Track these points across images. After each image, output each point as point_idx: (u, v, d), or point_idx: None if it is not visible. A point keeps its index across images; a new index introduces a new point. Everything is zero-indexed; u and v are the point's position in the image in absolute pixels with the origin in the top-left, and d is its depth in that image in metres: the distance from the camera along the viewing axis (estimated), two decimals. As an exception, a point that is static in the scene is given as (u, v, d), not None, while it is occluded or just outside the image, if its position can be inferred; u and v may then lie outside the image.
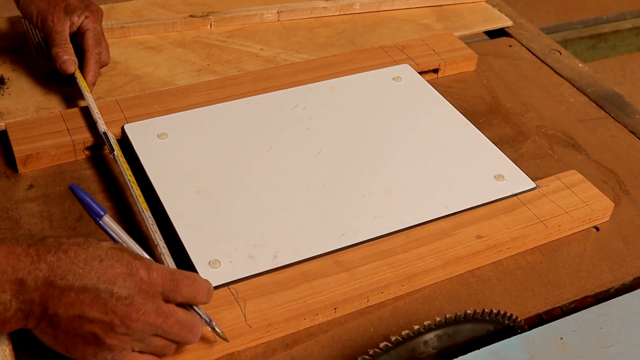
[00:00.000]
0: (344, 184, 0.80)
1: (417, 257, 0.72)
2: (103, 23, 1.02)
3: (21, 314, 0.55)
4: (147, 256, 0.61)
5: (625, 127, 0.95)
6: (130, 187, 0.74)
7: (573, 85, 1.02)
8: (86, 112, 0.87)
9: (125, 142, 0.84)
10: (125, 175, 0.76)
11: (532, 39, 1.11)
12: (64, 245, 0.56)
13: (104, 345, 0.57)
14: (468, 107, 0.95)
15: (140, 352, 0.59)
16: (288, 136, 0.85)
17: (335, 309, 0.69)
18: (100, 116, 0.84)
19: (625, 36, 1.49)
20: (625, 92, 1.03)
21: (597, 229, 0.80)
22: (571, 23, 1.46)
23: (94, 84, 0.91)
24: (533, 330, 0.70)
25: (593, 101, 0.99)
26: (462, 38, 1.07)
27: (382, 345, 0.63)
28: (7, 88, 0.93)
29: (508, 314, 0.68)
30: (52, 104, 0.91)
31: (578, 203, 0.80)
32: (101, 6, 1.07)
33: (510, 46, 1.09)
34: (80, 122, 0.85)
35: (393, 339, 0.63)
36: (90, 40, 0.90)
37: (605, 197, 0.81)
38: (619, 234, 0.80)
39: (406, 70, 0.97)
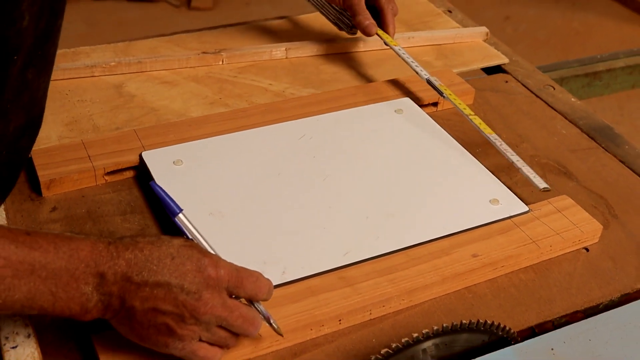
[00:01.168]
0: (348, 207, 0.85)
1: (417, 273, 0.77)
2: (121, 58, 1.09)
3: (101, 305, 0.61)
4: (210, 248, 0.66)
5: (615, 156, 1.00)
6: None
7: (566, 118, 1.07)
8: (107, 141, 0.92)
9: (143, 169, 0.90)
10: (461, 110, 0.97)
11: (527, 75, 1.17)
12: (140, 244, 0.61)
13: (175, 335, 0.62)
14: (465, 138, 1.00)
15: (206, 342, 0.64)
16: (295, 163, 0.91)
17: (339, 320, 0.73)
18: (417, 63, 1.05)
19: (619, 74, 1.56)
20: (623, 131, 1.08)
21: (587, 249, 0.85)
22: (567, 62, 1.52)
23: (394, 34, 1.10)
24: (525, 341, 0.74)
25: (584, 133, 1.04)
26: (460, 74, 1.13)
27: (383, 351, 0.67)
28: (32, 119, 0.99)
29: (502, 326, 0.72)
30: (73, 134, 0.97)
31: (568, 225, 0.84)
32: (119, 44, 1.14)
33: (506, 82, 1.15)
34: (100, 150, 0.91)
35: (394, 345, 0.67)
36: (384, 5, 1.10)
37: (594, 220, 0.86)
38: (607, 255, 0.85)
39: (407, 103, 1.03)
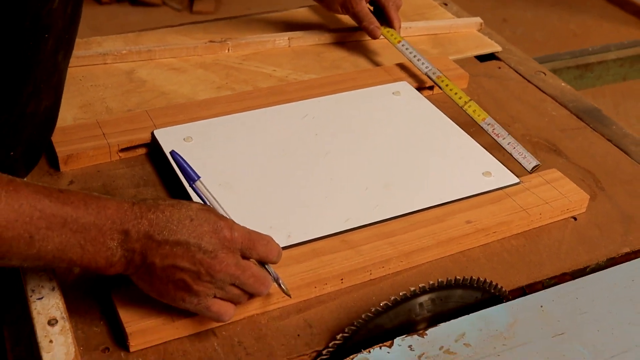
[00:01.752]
0: (348, 179, 0.90)
1: (415, 237, 0.82)
2: (133, 47, 1.14)
3: (124, 260, 0.65)
4: (225, 213, 0.71)
5: (603, 135, 1.05)
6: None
7: (556, 100, 1.13)
8: (120, 121, 0.98)
9: (155, 146, 0.95)
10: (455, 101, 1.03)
11: (520, 63, 1.22)
12: (161, 206, 0.66)
13: (192, 291, 0.67)
14: (460, 118, 1.05)
15: (220, 298, 0.69)
16: (299, 140, 0.96)
17: (342, 279, 0.78)
18: (420, 57, 1.11)
19: (610, 66, 1.61)
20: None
21: (575, 218, 0.90)
22: (559, 54, 1.58)
23: (400, 27, 1.17)
24: (516, 299, 0.79)
25: (574, 114, 1.10)
26: (455, 61, 1.18)
27: (382, 304, 0.72)
28: (48, 102, 1.04)
29: (494, 284, 0.77)
30: (87, 116, 1.02)
31: (557, 195, 0.89)
32: (130, 34, 1.19)
33: (500, 68, 1.20)
34: (114, 129, 0.96)
35: (392, 299, 0.72)
36: (390, 4, 1.16)
37: (582, 190, 0.91)
38: (594, 223, 0.89)
39: (404, 87, 1.08)
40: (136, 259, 0.66)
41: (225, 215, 0.71)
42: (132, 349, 0.70)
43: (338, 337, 0.72)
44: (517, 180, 0.91)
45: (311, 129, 0.98)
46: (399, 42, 1.14)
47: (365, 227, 0.83)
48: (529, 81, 1.17)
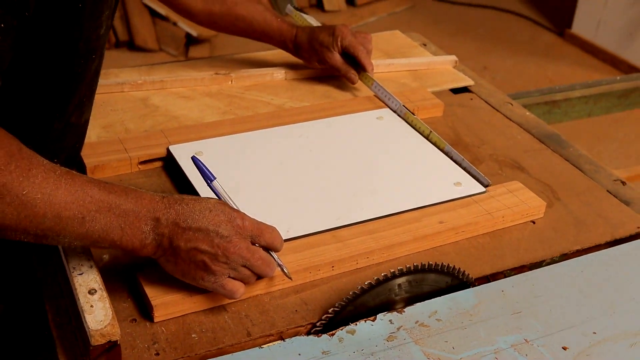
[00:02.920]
0: (338, 186, 1.04)
1: (394, 233, 0.96)
2: (147, 77, 1.29)
3: (155, 243, 0.78)
4: (241, 211, 0.84)
5: (561, 155, 1.20)
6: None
7: (521, 127, 1.28)
8: (139, 138, 1.12)
9: (170, 159, 1.09)
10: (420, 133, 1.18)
11: (490, 94, 1.38)
12: (186, 200, 0.80)
13: (210, 270, 0.80)
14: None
15: (233, 278, 0.82)
16: (295, 155, 1.11)
17: (332, 267, 0.92)
18: (390, 96, 1.26)
19: (575, 103, 1.77)
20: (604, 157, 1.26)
21: (534, 222, 1.04)
22: (529, 92, 1.74)
23: (372, 70, 1.30)
24: (481, 285, 0.93)
25: (536, 138, 1.25)
26: (432, 93, 1.34)
27: (366, 283, 0.86)
28: (74, 123, 1.18)
29: (462, 270, 0.91)
30: (109, 135, 1.16)
31: (518, 202, 1.04)
32: (143, 67, 1.34)
33: (471, 99, 1.36)
34: (134, 145, 1.10)
35: (374, 279, 0.86)
36: (351, 46, 1.27)
37: (539, 198, 1.05)
38: (550, 226, 1.04)
39: (387, 113, 1.23)
40: (164, 242, 0.79)
41: (236, 206, 0.85)
42: (156, 320, 0.83)
43: (329, 311, 0.85)
44: (483, 189, 1.06)
45: (306, 146, 1.13)
46: (372, 84, 1.29)
47: (353, 225, 0.97)
48: (497, 110, 1.33)
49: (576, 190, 1.12)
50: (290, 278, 0.87)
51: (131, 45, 3.74)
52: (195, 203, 0.80)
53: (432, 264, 0.89)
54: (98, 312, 0.77)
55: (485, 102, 1.36)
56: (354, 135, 1.17)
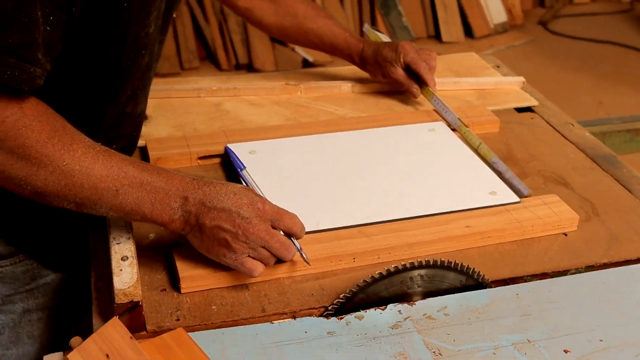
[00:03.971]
0: (374, 188, 1.10)
1: (419, 233, 1.01)
2: (223, 84, 1.40)
3: (182, 219, 0.87)
4: (264, 196, 0.92)
5: (612, 175, 1.20)
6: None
7: (577, 147, 1.29)
8: (202, 136, 1.22)
9: (227, 157, 1.18)
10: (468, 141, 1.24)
11: (553, 115, 1.39)
12: (214, 183, 0.88)
13: (231, 248, 0.87)
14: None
15: (252, 258, 0.89)
16: (340, 157, 1.17)
17: (354, 258, 0.97)
18: (449, 111, 1.31)
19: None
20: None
21: (566, 234, 1.06)
22: (609, 119, 1.72)
23: (434, 86, 1.34)
24: (498, 287, 0.96)
25: (590, 158, 1.25)
26: (494, 111, 1.37)
27: (377, 273, 0.91)
28: (149, 122, 1.31)
29: (477, 270, 0.95)
30: (179, 133, 1.27)
31: (550, 214, 1.06)
32: (222, 76, 1.46)
33: (532, 118, 1.38)
34: (196, 142, 1.20)
35: (386, 269, 0.91)
36: (414, 62, 1.33)
37: (573, 210, 1.06)
38: (582, 239, 1.05)
39: (440, 126, 1.28)
40: (191, 219, 0.88)
41: (261, 195, 0.92)
42: (182, 291, 0.92)
43: (341, 296, 0.91)
44: (517, 199, 1.08)
45: (354, 151, 1.19)
46: (432, 98, 1.34)
47: (381, 223, 1.03)
48: (556, 130, 1.34)
49: (618, 208, 1.12)
50: (308, 263, 0.93)
51: (250, 68, 3.92)
52: (222, 186, 0.89)
53: (444, 261, 0.93)
54: (125, 275, 0.86)
55: (547, 122, 1.37)
56: (402, 144, 1.22)
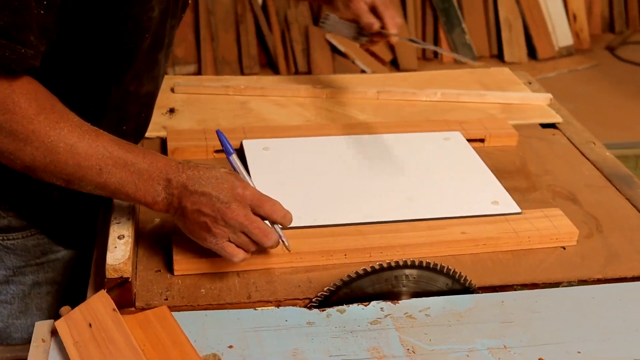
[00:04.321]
0: (378, 189, 1.12)
1: (413, 235, 1.02)
2: (251, 84, 1.44)
3: (165, 201, 0.90)
4: (250, 182, 0.94)
5: (624, 195, 1.19)
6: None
7: (594, 165, 1.28)
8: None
9: (241, 151, 1.22)
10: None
11: (576, 133, 1.38)
12: (199, 167, 0.90)
13: (211, 232, 0.89)
14: (499, 165, 1.24)
15: (234, 243, 0.90)
16: (350, 159, 1.20)
17: (345, 255, 1.00)
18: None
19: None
20: None
21: (564, 248, 1.06)
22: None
23: (394, 27, 1.22)
24: (484, 294, 0.97)
25: (605, 176, 1.24)
26: (517, 125, 1.37)
27: (362, 269, 0.93)
28: (175, 115, 1.36)
29: (463, 275, 0.96)
30: (201, 127, 1.32)
31: (549, 226, 1.06)
32: (254, 77, 1.50)
33: (553, 134, 1.38)
34: (214, 136, 1.24)
35: (371, 266, 0.93)
36: (381, 4, 1.21)
37: (573, 225, 1.06)
38: (580, 254, 1.05)
39: (456, 135, 1.29)
40: (174, 201, 0.90)
41: (248, 179, 0.94)
42: (175, 273, 0.96)
43: (325, 289, 0.93)
44: (518, 210, 1.09)
45: (364, 153, 1.22)
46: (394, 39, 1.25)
47: (379, 224, 1.05)
48: (576, 147, 1.33)
49: (623, 226, 1.11)
50: (288, 250, 0.95)
51: (308, 77, 3.97)
52: (206, 170, 0.90)
53: (430, 263, 0.94)
54: (118, 252, 0.91)
55: (568, 139, 1.37)
56: (413, 150, 1.24)
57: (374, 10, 1.23)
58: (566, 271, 1.01)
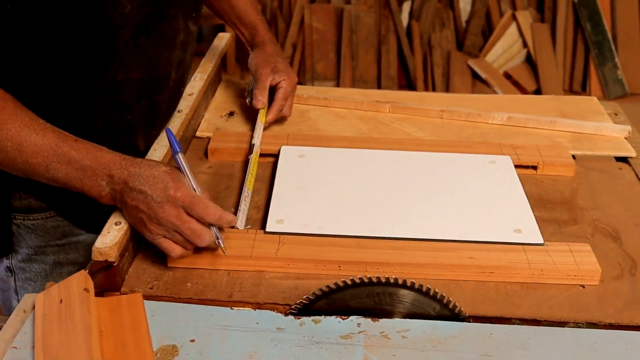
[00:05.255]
0: (400, 205, 1.09)
1: (417, 255, 0.98)
2: (314, 93, 1.45)
3: (110, 195, 0.95)
4: (191, 183, 0.95)
5: (678, 239, 1.08)
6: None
7: (653, 203, 1.17)
8: (266, 136, 1.28)
9: (278, 157, 1.23)
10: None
11: (646, 169, 1.27)
12: (142, 164, 0.94)
13: (147, 228, 0.94)
14: (545, 194, 1.17)
15: (170, 240, 0.93)
16: (382, 175, 1.17)
17: (339, 266, 0.98)
18: (258, 135, 1.26)
19: None
20: None
21: (583, 287, 0.97)
22: None
23: (269, 123, 1.32)
24: (473, 323, 0.91)
25: (662, 217, 1.13)
26: (583, 156, 1.28)
27: (342, 280, 0.90)
28: (232, 118, 1.39)
29: (452, 301, 0.91)
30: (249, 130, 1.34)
31: (569, 262, 0.98)
32: (321, 87, 1.51)
33: (620, 169, 1.27)
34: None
35: (350, 278, 0.90)
36: (280, 94, 1.32)
37: (597, 262, 0.98)
38: (597, 295, 0.96)
39: (504, 160, 1.22)
40: (117, 196, 0.95)
41: (192, 181, 0.95)
42: (168, 264, 0.98)
43: (304, 297, 0.92)
44: (541, 241, 1.02)
45: (398, 169, 1.18)
46: (262, 122, 1.30)
47: (386, 239, 1.01)
48: (641, 183, 1.22)
49: (662, 273, 1.01)
50: (224, 252, 0.96)
51: (444, 101, 3.92)
52: (147, 168, 0.93)
53: (414, 283, 0.90)
54: (109, 237, 0.94)
55: (637, 174, 1.26)
56: (453, 170, 1.19)
57: (274, 89, 1.33)
58: (576, 311, 0.93)
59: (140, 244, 1.02)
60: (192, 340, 0.87)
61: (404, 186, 1.14)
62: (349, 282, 0.90)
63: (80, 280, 0.89)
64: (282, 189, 1.13)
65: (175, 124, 1.23)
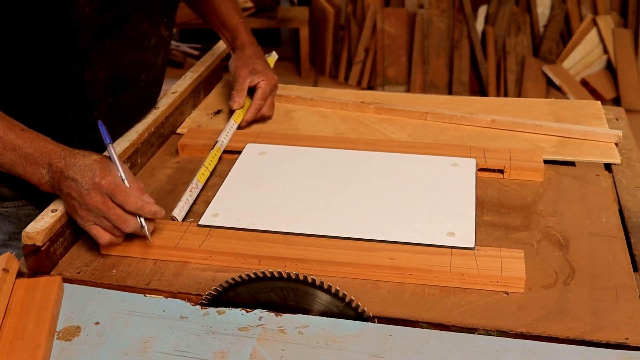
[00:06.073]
0: (342, 204, 1.09)
1: (337, 253, 0.98)
2: (300, 93, 1.46)
3: (49, 183, 1.00)
4: (121, 173, 0.99)
5: (634, 250, 1.02)
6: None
7: (620, 212, 1.11)
8: (236, 134, 1.30)
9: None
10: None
11: (628, 177, 1.21)
12: (78, 155, 0.99)
13: (78, 214, 0.98)
14: (505, 200, 1.14)
15: (100, 226, 0.98)
16: (338, 174, 1.17)
17: (259, 261, 0.99)
18: (227, 132, 1.28)
19: None
20: None
21: (507, 294, 0.94)
22: None
23: (247, 122, 1.35)
24: (375, 324, 0.90)
25: (623, 227, 1.08)
26: (562, 161, 1.24)
27: (245, 274, 0.91)
28: (217, 116, 1.42)
29: (356, 301, 0.90)
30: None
31: (494, 268, 0.95)
32: (317, 88, 1.52)
33: (598, 175, 1.21)
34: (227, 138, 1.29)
35: (253, 272, 0.91)
36: (258, 94, 1.35)
37: (523, 270, 0.94)
38: (517, 303, 0.92)
39: (468, 162, 1.20)
40: (55, 184, 0.99)
41: (120, 169, 0.99)
42: (101, 251, 1.02)
43: (212, 289, 0.93)
44: (471, 245, 0.99)
45: (354, 169, 1.18)
46: (237, 122, 1.33)
47: (315, 237, 1.02)
48: (616, 192, 1.16)
49: (599, 284, 0.96)
50: (149, 239, 0.99)
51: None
52: (81, 158, 0.98)
53: (315, 280, 0.90)
54: (42, 222, 0.99)
55: (613, 182, 1.20)
56: (409, 171, 1.18)
57: (253, 90, 1.36)
58: (490, 318, 0.90)
59: (81, 231, 1.06)
60: (97, 323, 0.90)
61: (355, 186, 1.14)
62: (253, 276, 0.91)
63: (2, 261, 0.94)
64: (231, 184, 1.15)
65: (147, 120, 1.28)
